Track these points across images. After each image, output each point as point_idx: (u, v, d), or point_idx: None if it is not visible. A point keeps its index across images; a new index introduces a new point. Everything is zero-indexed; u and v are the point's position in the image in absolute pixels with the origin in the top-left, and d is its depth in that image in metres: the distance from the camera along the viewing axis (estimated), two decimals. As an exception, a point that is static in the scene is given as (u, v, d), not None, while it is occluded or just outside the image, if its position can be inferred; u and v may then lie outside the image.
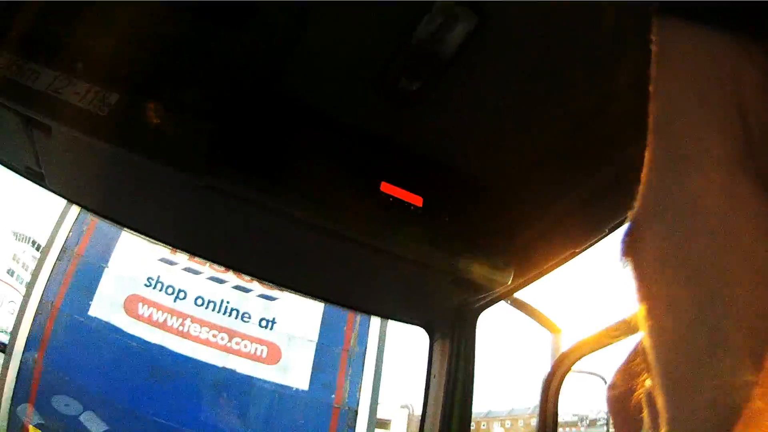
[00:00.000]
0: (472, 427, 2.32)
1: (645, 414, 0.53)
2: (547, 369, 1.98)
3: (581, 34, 1.38)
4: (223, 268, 6.64)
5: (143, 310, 6.49)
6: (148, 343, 6.37)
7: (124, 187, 2.03)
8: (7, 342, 6.15)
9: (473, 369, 2.34)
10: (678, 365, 0.43)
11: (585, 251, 1.88)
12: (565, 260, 1.95)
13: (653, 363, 0.46)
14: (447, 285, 2.05)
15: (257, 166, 1.70)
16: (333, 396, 6.49)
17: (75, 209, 6.41)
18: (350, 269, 2.17)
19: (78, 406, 5.98)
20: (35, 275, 6.50)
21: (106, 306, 6.41)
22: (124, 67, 1.65)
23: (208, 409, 6.29)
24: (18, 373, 5.97)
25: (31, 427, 5.88)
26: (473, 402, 2.31)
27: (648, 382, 0.50)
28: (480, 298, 2.22)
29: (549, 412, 1.91)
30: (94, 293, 6.42)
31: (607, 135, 1.57)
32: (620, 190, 1.62)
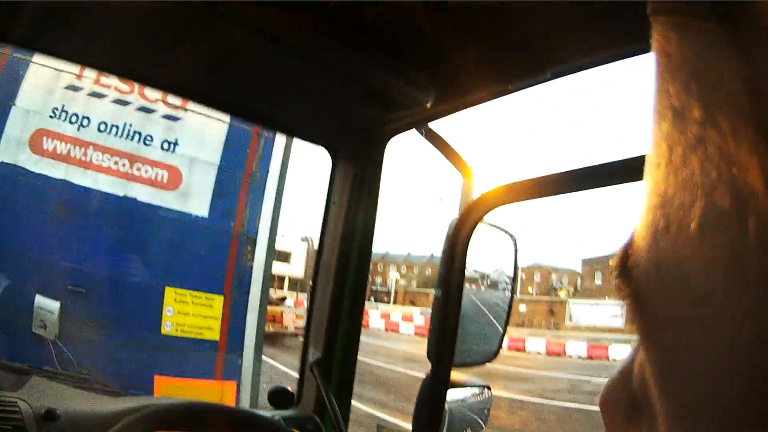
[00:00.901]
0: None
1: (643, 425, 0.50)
2: (455, 215, 1.88)
3: None
4: (128, 90, 6.37)
5: (48, 144, 6.23)
6: (52, 179, 6.18)
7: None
8: None
9: (377, 199, 2.26)
10: (678, 388, 0.42)
11: (519, 90, 1.76)
12: (494, 96, 1.82)
13: (650, 379, 0.45)
14: (357, 98, 1.91)
15: None
16: (233, 223, 6.51)
17: None
18: (256, 74, 1.97)
19: None
20: None
21: (12, 147, 6.11)
22: None
23: (109, 244, 6.23)
24: None
25: None
26: (375, 236, 2.26)
27: (642, 396, 0.48)
28: (393, 119, 2.09)
29: (456, 262, 1.81)
30: (0, 135, 6.09)
31: None
32: (565, 35, 1.53)
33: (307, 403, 2.36)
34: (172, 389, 6.00)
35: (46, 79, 6.24)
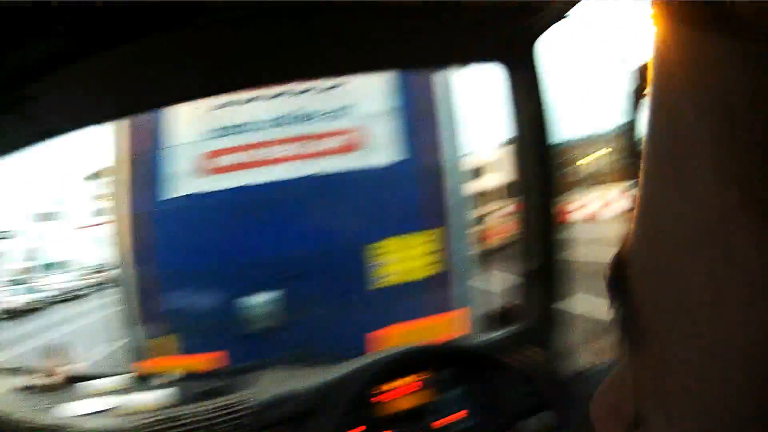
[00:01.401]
0: (574, 155, 2.27)
1: None
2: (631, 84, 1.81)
3: None
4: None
5: (217, 162, 6.46)
6: (234, 189, 6.38)
7: (125, 79, 1.99)
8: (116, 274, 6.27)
9: (547, 96, 2.26)
10: (670, 398, 0.44)
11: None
12: None
13: (646, 398, 0.47)
14: (496, 13, 1.97)
15: None
16: (422, 159, 6.49)
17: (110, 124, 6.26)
18: (389, 30, 2.07)
19: (202, 285, 6.16)
20: (107, 198, 6.52)
21: (182, 180, 6.36)
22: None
23: (310, 224, 6.36)
24: (131, 295, 6.13)
25: (161, 341, 6.05)
26: (569, 128, 2.25)
27: (636, 405, 0.50)
28: (535, 19, 2.06)
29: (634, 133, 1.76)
30: (165, 177, 6.37)
31: None
32: None
33: (531, 315, 2.40)
34: (406, 335, 6.08)
35: (189, 111, 6.43)
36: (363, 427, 2.00)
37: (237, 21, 1.70)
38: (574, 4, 1.98)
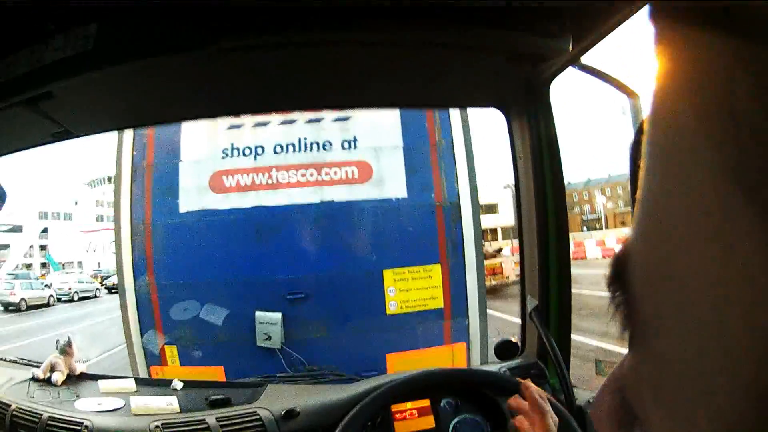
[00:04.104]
0: (575, 199, 2.32)
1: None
2: (632, 135, 1.90)
3: None
4: (286, 112, 6.54)
5: (230, 182, 6.53)
6: (245, 210, 6.46)
7: (147, 90, 2.06)
8: (116, 281, 6.28)
9: (556, 141, 2.33)
10: (670, 392, 0.44)
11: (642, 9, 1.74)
12: (627, 16, 1.84)
13: (646, 391, 0.47)
14: (508, 61, 2.02)
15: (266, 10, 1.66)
16: (433, 195, 6.52)
17: (129, 131, 6.34)
18: (408, 70, 2.14)
19: (206, 300, 6.19)
20: (117, 205, 6.57)
21: (193, 197, 6.46)
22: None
23: (318, 249, 6.42)
24: (137, 303, 6.22)
25: (166, 348, 6.15)
26: (568, 174, 2.31)
27: (635, 400, 0.50)
28: (545, 68, 2.16)
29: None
30: (178, 191, 6.46)
31: None
32: None
33: (531, 351, 2.48)
34: (404, 363, 6.10)
35: (204, 129, 6.55)
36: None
37: (254, 47, 1.78)
38: (583, 53, 2.08)
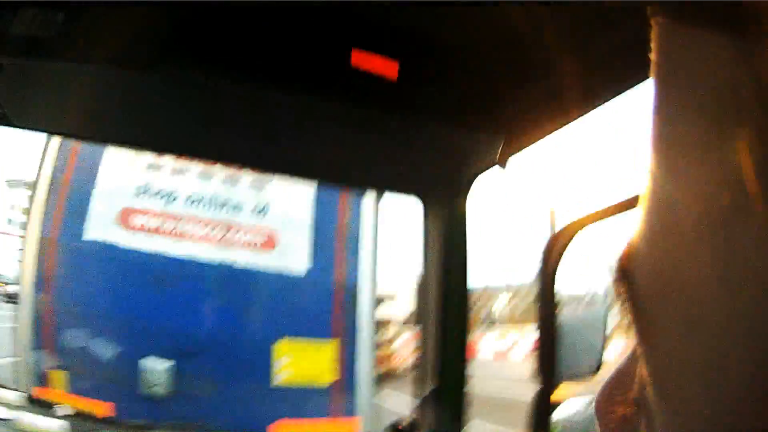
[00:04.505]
0: (475, 302, 2.35)
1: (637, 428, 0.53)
2: (546, 241, 1.98)
3: None
4: (203, 161, 6.35)
5: (137, 221, 6.44)
6: (147, 253, 6.38)
7: (90, 102, 1.99)
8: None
9: (467, 238, 2.37)
10: (675, 387, 0.44)
11: (578, 120, 1.84)
12: (556, 128, 1.92)
13: (649, 386, 0.46)
14: (436, 155, 2.07)
15: (219, 50, 1.68)
16: (333, 276, 6.56)
17: (56, 140, 6.22)
18: (336, 148, 2.16)
19: (96, 333, 6.03)
20: (29, 213, 6.40)
21: (101, 225, 6.34)
22: None
23: (213, 307, 6.40)
24: (33, 318, 6.02)
25: (54, 372, 5.92)
26: (471, 277, 2.35)
27: (639, 396, 0.50)
28: (471, 166, 2.21)
29: (548, 288, 1.91)
30: (86, 216, 6.33)
31: (599, 9, 1.50)
32: (616, 62, 1.60)
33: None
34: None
35: (124, 162, 6.48)
36: None
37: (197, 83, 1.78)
38: (511, 155, 2.11)
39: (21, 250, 6.40)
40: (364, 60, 1.72)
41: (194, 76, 1.71)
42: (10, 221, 52.29)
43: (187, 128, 2.14)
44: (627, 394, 0.55)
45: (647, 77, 0.46)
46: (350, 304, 6.52)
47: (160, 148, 2.48)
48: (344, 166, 2.38)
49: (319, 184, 5.79)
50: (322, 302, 6.52)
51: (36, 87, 1.89)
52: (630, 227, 0.48)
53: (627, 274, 0.48)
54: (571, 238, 1.87)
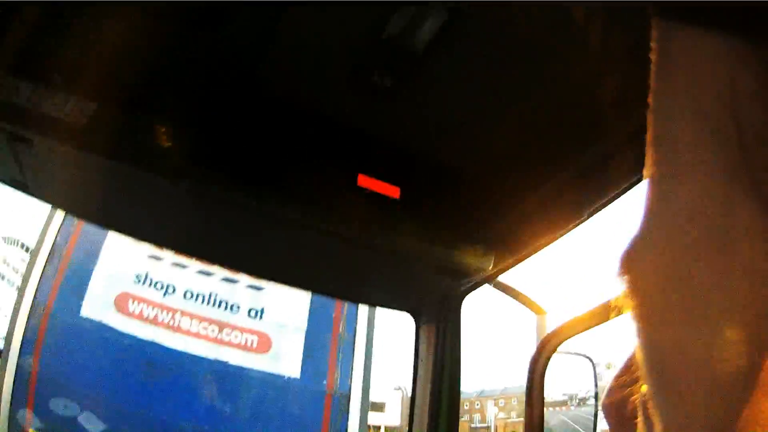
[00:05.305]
0: (465, 407, 2.36)
1: (640, 422, 0.53)
2: (533, 350, 2.03)
3: (552, 27, 1.38)
4: (204, 262, 6.48)
5: (134, 307, 6.49)
6: (141, 339, 6.38)
7: (108, 192, 2.06)
8: (2, 347, 6.13)
9: (460, 351, 2.40)
10: (673, 379, 0.44)
11: (565, 235, 1.92)
12: (546, 244, 1.99)
13: (648, 375, 0.46)
14: (430, 272, 2.11)
15: (235, 166, 1.76)
16: (325, 382, 6.54)
17: (61, 212, 6.34)
18: (334, 261, 2.23)
19: (76, 408, 5.98)
20: (26, 278, 6.47)
21: (97, 305, 6.41)
22: (100, 76, 1.66)
23: (203, 402, 6.33)
24: (15, 377, 5.97)
25: (31, 430, 5.89)
26: (463, 382, 2.37)
27: (644, 391, 0.49)
28: (463, 282, 2.27)
29: (536, 392, 1.95)
30: (84, 294, 6.41)
31: (584, 123, 1.59)
32: (599, 175, 1.67)
33: None
34: None
35: (127, 247, 6.53)
36: None
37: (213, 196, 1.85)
38: (501, 272, 2.20)
39: (13, 309, 6.40)
40: (369, 183, 1.81)
41: (213, 188, 1.78)
42: (1, 277, 51.71)
43: (194, 229, 2.21)
44: (629, 394, 0.55)
45: (638, 182, 0.49)
46: (339, 413, 6.43)
47: (166, 245, 2.55)
48: (340, 279, 2.46)
49: (315, 294, 5.83)
50: (313, 407, 6.47)
51: (59, 166, 1.94)
52: (631, 227, 0.48)
53: (628, 270, 0.48)
54: (559, 343, 1.92)
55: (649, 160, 0.46)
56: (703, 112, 0.42)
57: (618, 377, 0.66)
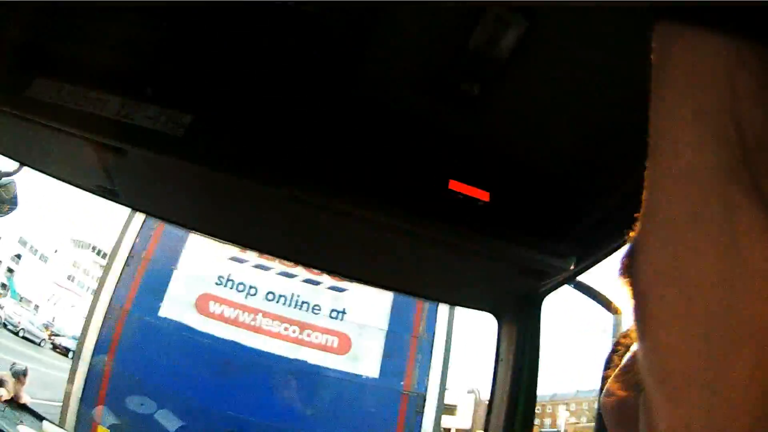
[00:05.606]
0: (537, 411, 2.35)
1: (640, 423, 0.54)
2: (609, 349, 2.02)
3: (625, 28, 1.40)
4: (292, 263, 6.52)
5: (215, 308, 6.69)
6: (221, 339, 6.57)
7: (203, 199, 2.16)
8: (73, 347, 6.36)
9: (539, 353, 2.41)
10: (674, 380, 0.44)
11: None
12: (626, 244, 1.99)
13: (648, 375, 0.46)
14: (513, 273, 2.14)
15: (333, 172, 1.83)
16: (402, 383, 6.56)
17: (140, 216, 6.64)
18: (420, 262, 2.28)
19: (153, 405, 6.20)
20: (102, 280, 6.76)
21: (176, 306, 6.65)
22: (194, 88, 1.77)
23: (281, 400, 6.46)
24: (87, 376, 6.24)
25: (100, 428, 6.14)
26: (538, 386, 2.38)
27: (644, 392, 0.50)
28: (545, 283, 2.28)
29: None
30: (163, 295, 6.67)
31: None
32: None
33: None
34: None
35: (209, 249, 6.79)
36: None
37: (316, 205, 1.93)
38: (581, 273, 2.20)
39: (88, 310, 6.68)
40: (460, 188, 1.88)
41: (304, 194, 1.86)
42: (70, 278, 53.67)
43: (284, 233, 2.30)
44: (630, 392, 0.57)
45: None
46: (415, 414, 6.47)
47: (255, 247, 2.64)
48: (424, 280, 2.50)
49: (397, 294, 5.85)
50: (387, 409, 6.51)
51: (150, 175, 2.05)
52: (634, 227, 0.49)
53: (630, 270, 0.48)
54: (632, 345, 1.91)
55: (649, 163, 0.47)
56: (704, 113, 0.43)
57: (618, 377, 0.68)
